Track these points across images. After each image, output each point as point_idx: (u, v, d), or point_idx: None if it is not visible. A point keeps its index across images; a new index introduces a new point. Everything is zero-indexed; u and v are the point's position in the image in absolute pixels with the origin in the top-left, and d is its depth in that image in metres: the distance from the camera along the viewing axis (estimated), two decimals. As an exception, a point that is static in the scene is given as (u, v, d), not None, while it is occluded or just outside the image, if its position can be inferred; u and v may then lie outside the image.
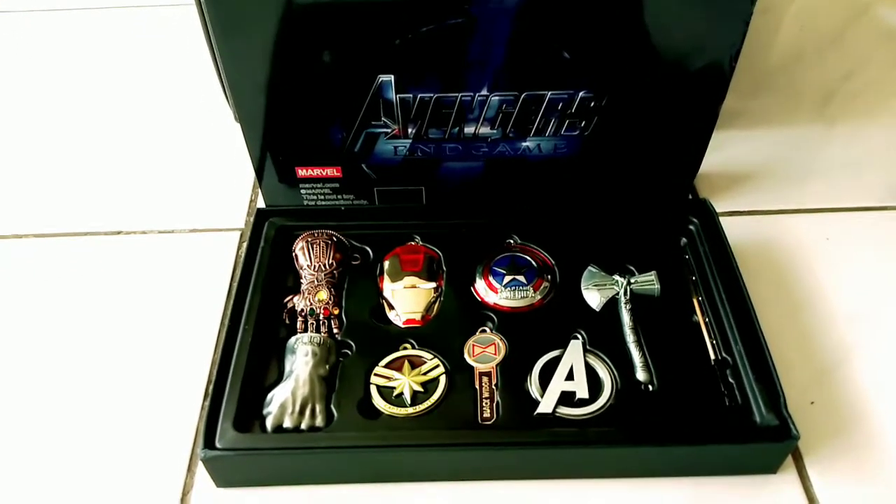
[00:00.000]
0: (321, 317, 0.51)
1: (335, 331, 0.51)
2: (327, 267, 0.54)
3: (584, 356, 0.48)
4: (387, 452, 0.44)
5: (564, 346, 0.49)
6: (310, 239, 0.56)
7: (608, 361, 0.49)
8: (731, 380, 0.48)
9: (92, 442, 0.49)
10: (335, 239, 0.56)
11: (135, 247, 0.63)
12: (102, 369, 0.54)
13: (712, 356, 0.49)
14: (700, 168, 0.60)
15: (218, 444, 0.44)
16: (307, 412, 0.46)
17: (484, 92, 0.53)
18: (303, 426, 0.46)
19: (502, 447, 0.45)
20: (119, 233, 0.64)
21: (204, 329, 0.56)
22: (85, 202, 0.67)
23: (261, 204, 0.62)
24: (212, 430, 0.45)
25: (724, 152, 0.68)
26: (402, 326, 0.51)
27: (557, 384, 0.47)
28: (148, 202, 0.67)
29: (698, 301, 0.53)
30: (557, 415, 0.46)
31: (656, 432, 0.45)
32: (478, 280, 0.54)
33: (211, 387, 0.47)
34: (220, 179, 0.69)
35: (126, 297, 0.59)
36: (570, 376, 0.47)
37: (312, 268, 0.54)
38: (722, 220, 0.57)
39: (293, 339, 0.50)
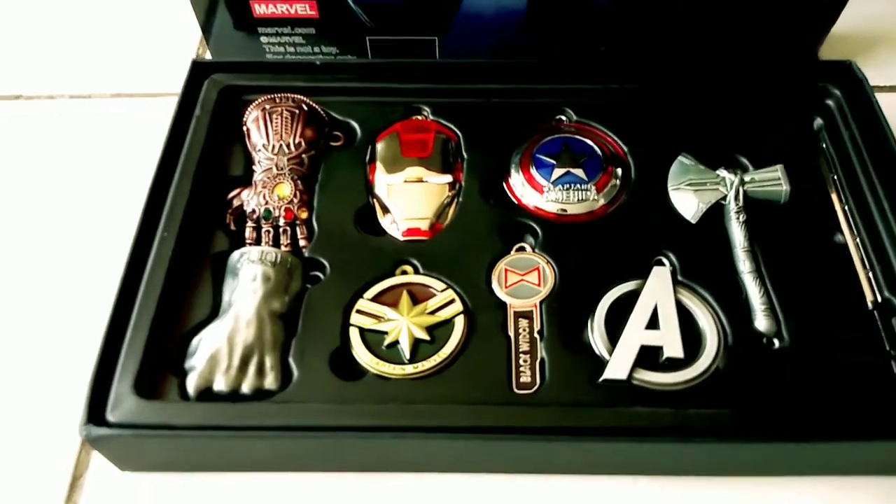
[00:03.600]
0: (281, 221, 0.43)
1: (301, 243, 0.43)
2: (293, 148, 0.45)
3: (675, 292, 0.40)
4: (373, 437, 0.35)
5: (644, 276, 0.41)
6: (268, 106, 0.47)
7: (711, 301, 0.40)
8: (899, 332, 0.38)
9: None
10: (305, 108, 0.48)
11: (38, 115, 0.55)
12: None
13: (869, 296, 0.41)
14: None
15: (110, 418, 0.35)
16: (251, 368, 0.37)
17: None
18: (244, 389, 0.37)
19: (549, 435, 0.35)
20: (18, 97, 0.57)
21: (121, 233, 0.46)
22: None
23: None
24: (102, 395, 0.35)
25: (860, 7, 0.57)
26: (402, 239, 0.44)
27: (634, 335, 0.39)
28: (56, 58, 0.60)
29: (844, 211, 0.44)
30: (635, 383, 0.37)
31: (789, 418, 0.35)
32: (513, 173, 0.46)
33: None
34: (154, 29, 0.61)
35: (23, 182, 0.51)
36: (653, 323, 0.39)
37: (271, 149, 0.45)
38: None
39: (237, 254, 0.42)
